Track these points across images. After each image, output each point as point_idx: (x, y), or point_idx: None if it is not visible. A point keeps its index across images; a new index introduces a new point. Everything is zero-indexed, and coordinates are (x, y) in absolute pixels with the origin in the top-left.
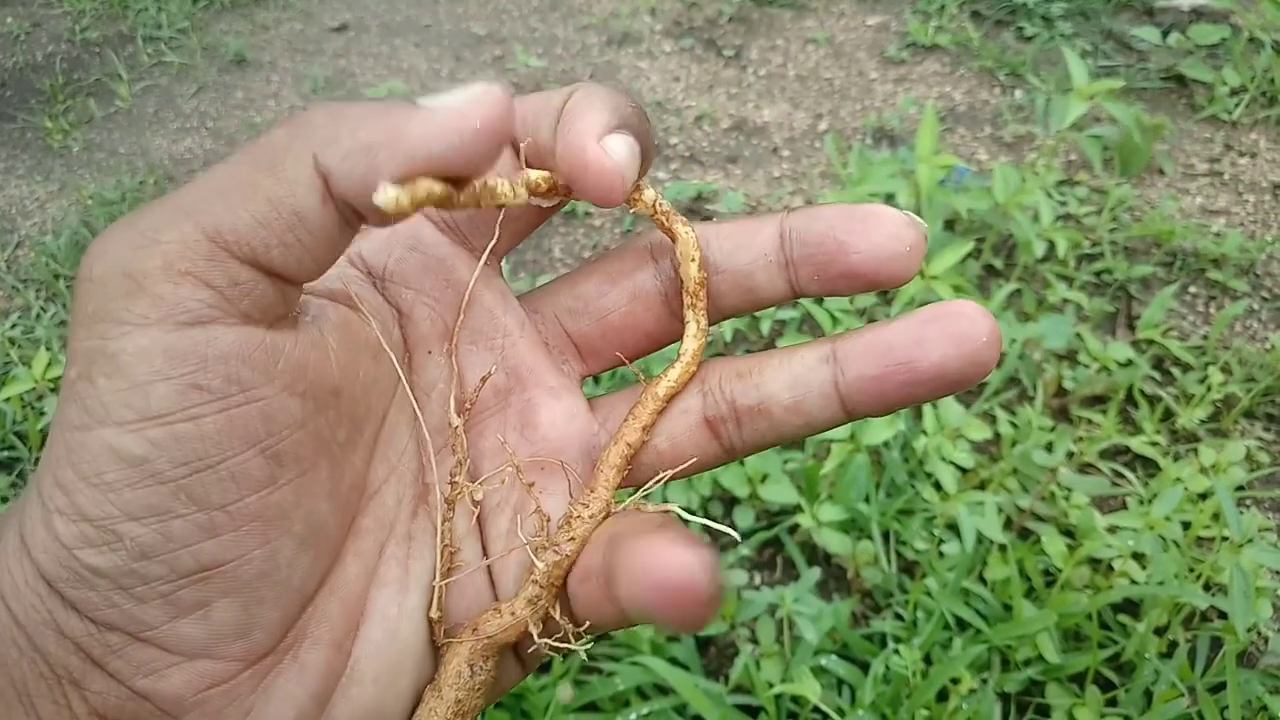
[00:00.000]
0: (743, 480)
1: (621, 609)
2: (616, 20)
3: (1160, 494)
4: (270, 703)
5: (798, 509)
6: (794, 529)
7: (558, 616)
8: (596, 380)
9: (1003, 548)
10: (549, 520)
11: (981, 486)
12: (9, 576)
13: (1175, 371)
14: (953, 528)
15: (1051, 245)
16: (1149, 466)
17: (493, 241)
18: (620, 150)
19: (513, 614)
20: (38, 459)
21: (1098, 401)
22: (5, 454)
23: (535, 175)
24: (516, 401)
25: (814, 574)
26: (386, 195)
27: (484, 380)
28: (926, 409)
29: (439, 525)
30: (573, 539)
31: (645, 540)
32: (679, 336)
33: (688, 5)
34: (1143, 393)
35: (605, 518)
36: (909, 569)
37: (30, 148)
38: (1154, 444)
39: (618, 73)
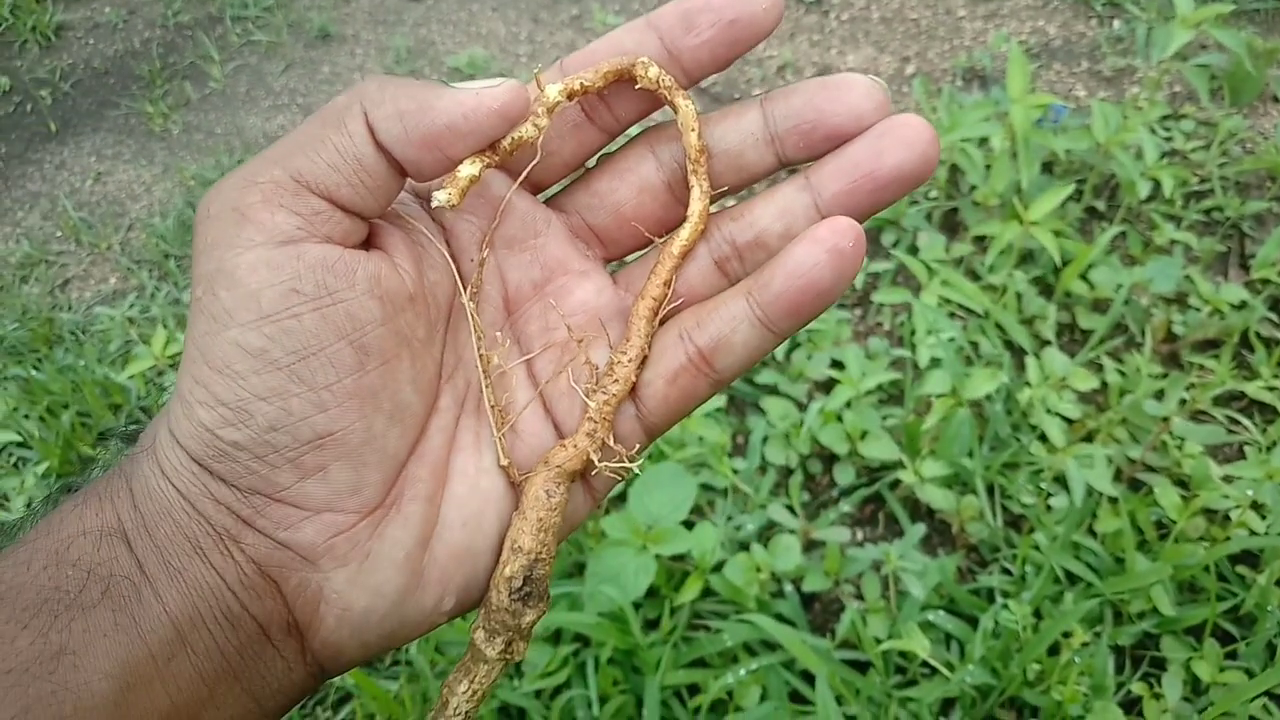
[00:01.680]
0: (842, 437)
1: (743, 349)
2: None
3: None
4: (384, 546)
5: (899, 465)
6: (895, 485)
7: (613, 444)
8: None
9: (1113, 500)
10: (597, 368)
11: (1089, 438)
12: (168, 462)
13: None
14: (1060, 480)
15: (1157, 184)
16: (1266, 412)
17: (529, 167)
18: None
19: (575, 446)
20: None
21: (1210, 346)
22: (133, 428)
23: (552, 94)
24: (552, 289)
25: (918, 530)
26: (438, 199)
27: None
28: (1030, 360)
29: (484, 391)
30: (617, 381)
31: (790, 245)
32: (684, 216)
33: None
34: (1259, 335)
35: (643, 361)
36: (1015, 523)
37: (134, 132)
38: (1272, 389)
39: None
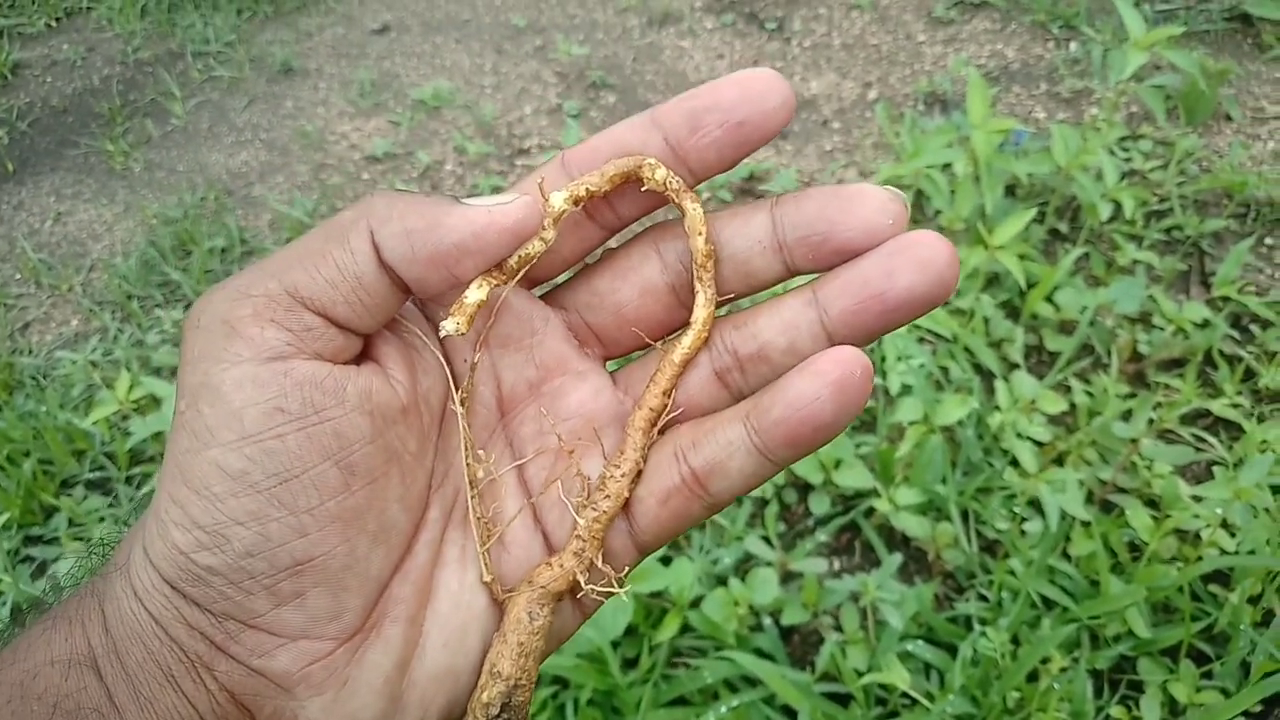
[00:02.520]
0: (816, 467)
1: (739, 475)
2: (656, 0)
3: (1247, 460)
4: (362, 672)
5: (874, 493)
6: (870, 513)
7: (601, 565)
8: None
9: (1086, 523)
10: (589, 480)
11: (1060, 460)
12: (140, 583)
13: (1255, 329)
14: (1034, 504)
15: (1118, 205)
16: (1232, 429)
17: (527, 267)
18: None
19: (561, 565)
20: (128, 477)
21: (1175, 365)
22: (97, 474)
23: (558, 203)
24: (548, 389)
25: (895, 559)
26: (446, 329)
27: (472, 372)
28: (999, 384)
29: (469, 503)
30: (608, 496)
31: (792, 374)
32: (688, 320)
33: None
34: (1221, 353)
35: (637, 475)
36: (990, 549)
37: (94, 171)
38: (1236, 406)
39: (660, 54)
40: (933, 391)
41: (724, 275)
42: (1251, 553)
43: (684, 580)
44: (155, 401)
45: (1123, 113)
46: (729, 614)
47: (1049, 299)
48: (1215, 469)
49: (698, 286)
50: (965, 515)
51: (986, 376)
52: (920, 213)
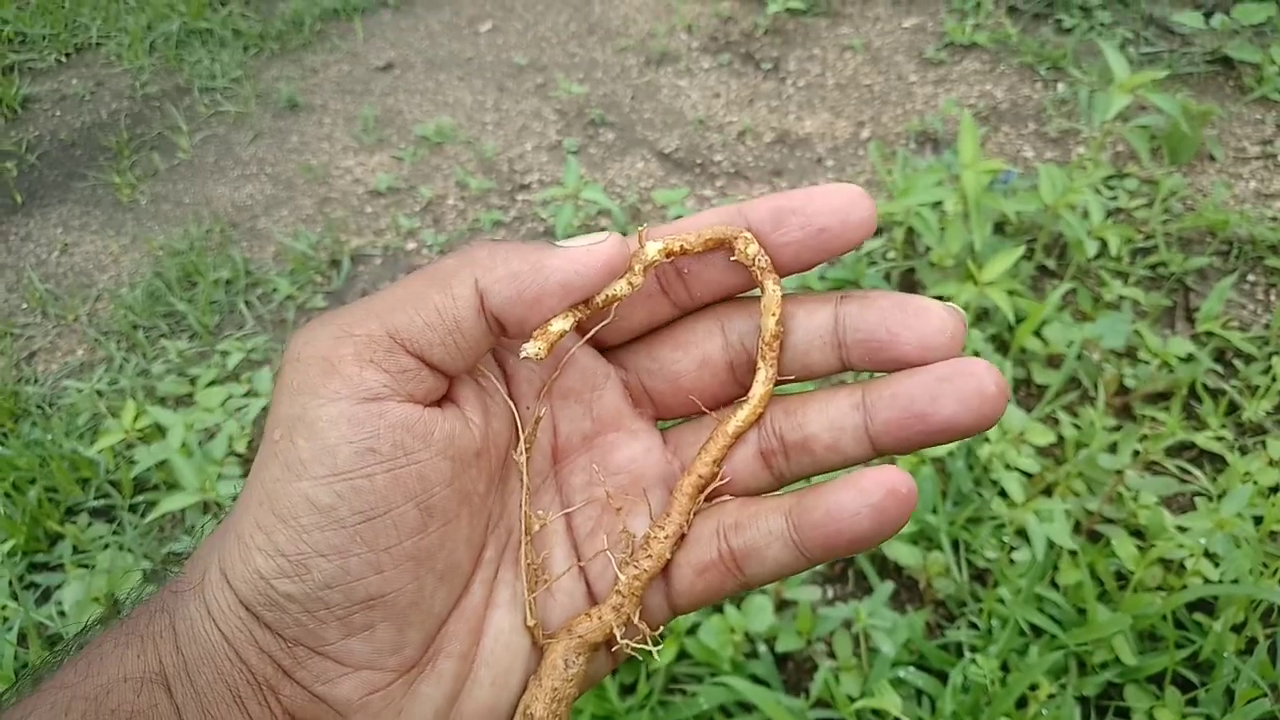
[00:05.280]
0: None
1: (774, 564)
2: (654, 40)
3: (1229, 491)
4: (415, 704)
5: None
6: None
7: (637, 622)
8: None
9: (1073, 553)
10: (634, 538)
11: (1048, 491)
12: (216, 604)
13: (1238, 364)
14: (1022, 534)
15: (1104, 243)
16: (1216, 462)
17: (600, 326)
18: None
19: (599, 618)
20: (132, 505)
21: (1160, 398)
22: (102, 502)
23: (651, 252)
24: (601, 443)
25: (887, 587)
26: (527, 350)
27: (537, 420)
28: None
29: (522, 549)
30: (650, 556)
31: (840, 483)
32: (739, 396)
33: (723, 20)
34: (1205, 387)
35: (680, 539)
36: (980, 577)
37: (102, 203)
38: (1220, 439)
39: (658, 93)
40: None
41: (782, 359)
42: (1235, 582)
43: None
44: (160, 430)
45: (1108, 152)
46: (725, 641)
47: (1037, 333)
48: (1199, 500)
49: (760, 364)
50: (956, 544)
51: None
52: (912, 248)
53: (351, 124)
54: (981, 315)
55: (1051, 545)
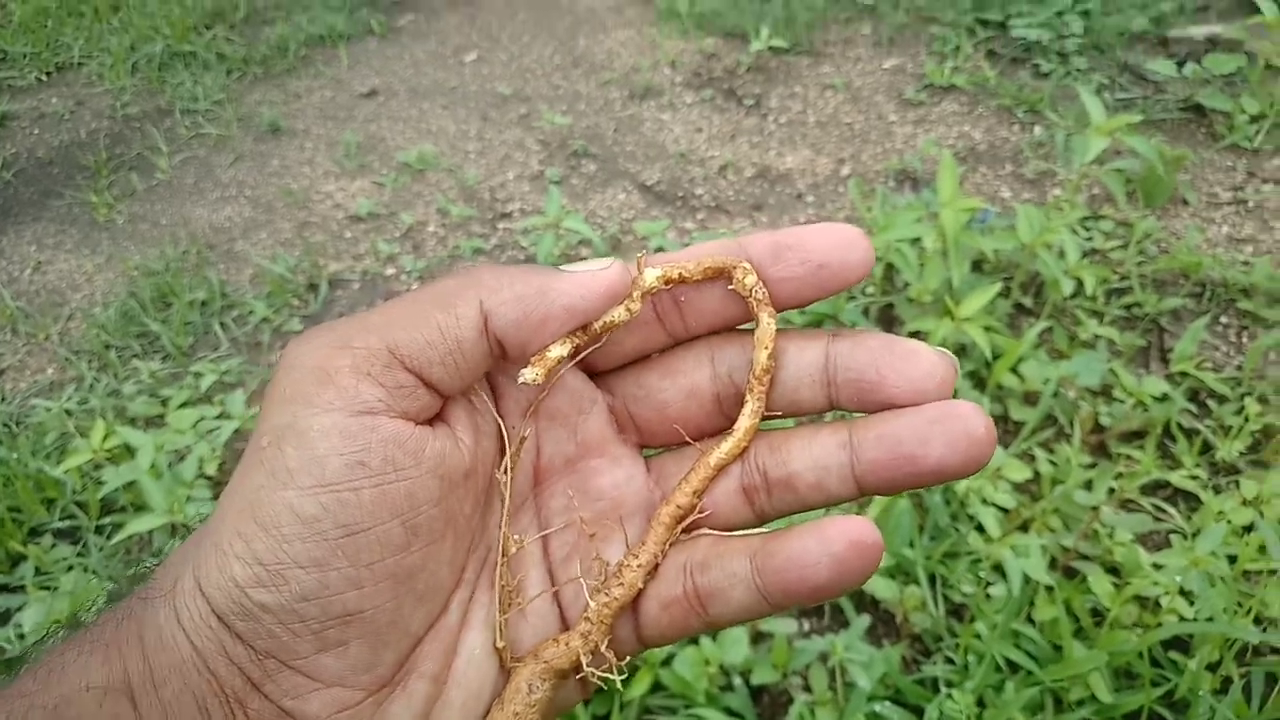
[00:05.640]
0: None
1: (738, 607)
2: (637, 74)
3: (1204, 530)
4: (386, 717)
5: None
6: None
7: (605, 650)
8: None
9: (1049, 588)
10: (607, 565)
11: (1024, 527)
12: (187, 612)
13: (1211, 404)
14: (999, 569)
15: (1080, 282)
16: (1191, 500)
17: (591, 349)
18: None
19: (567, 644)
20: (98, 527)
21: (1136, 437)
22: (67, 523)
23: (650, 279)
24: (584, 468)
25: (864, 621)
26: (525, 376)
27: (520, 444)
28: None
29: (497, 570)
30: (622, 585)
31: (805, 529)
32: (725, 429)
33: (707, 56)
34: (1180, 426)
35: (654, 569)
36: (957, 612)
37: (78, 222)
38: (1194, 478)
39: (641, 126)
40: None
41: (771, 395)
42: (1210, 620)
43: None
44: (129, 451)
45: (1084, 194)
46: (700, 673)
47: (1014, 370)
48: (1174, 538)
49: (748, 397)
50: (933, 579)
51: None
52: (890, 284)
53: (333, 149)
54: (959, 351)
55: (1028, 581)
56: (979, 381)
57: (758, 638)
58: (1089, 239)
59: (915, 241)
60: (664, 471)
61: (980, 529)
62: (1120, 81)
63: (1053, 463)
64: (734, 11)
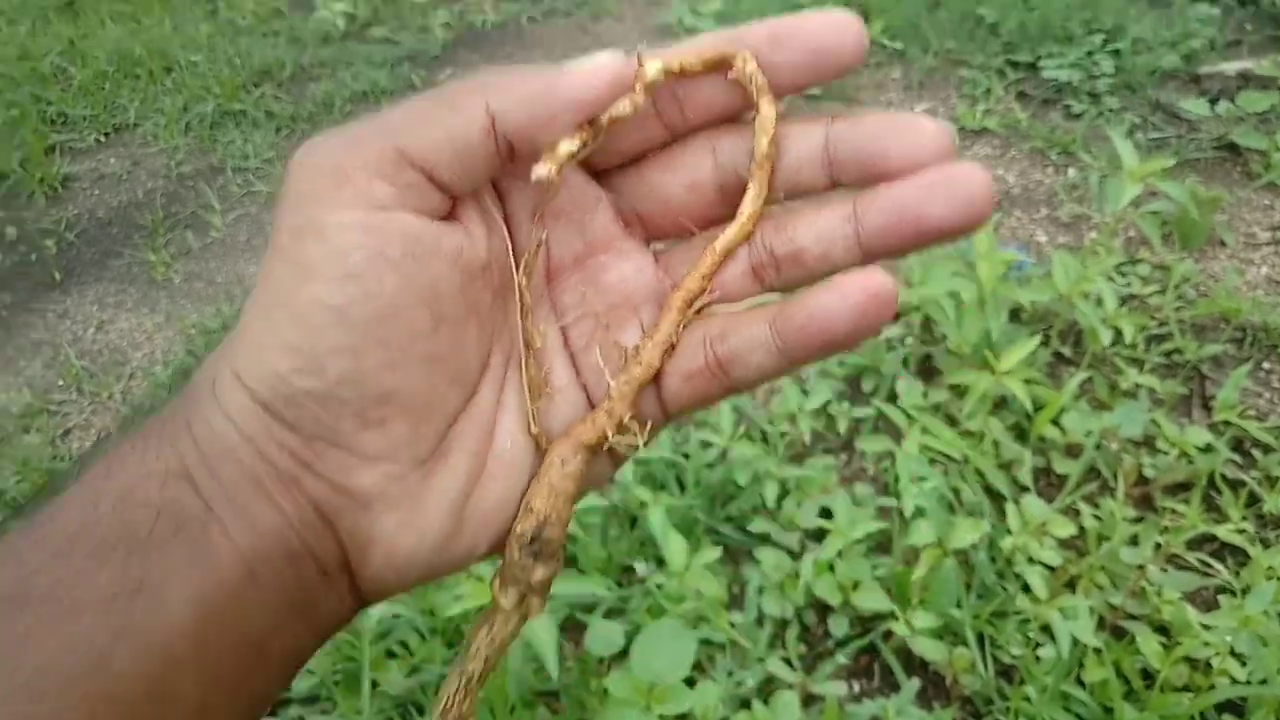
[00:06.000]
0: (835, 588)
1: (758, 368)
2: None
3: (1253, 587)
4: (431, 494)
5: (891, 615)
6: (888, 635)
7: (627, 423)
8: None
9: (1098, 650)
10: (626, 350)
11: (1071, 584)
12: (231, 405)
13: (1256, 453)
14: (1047, 629)
15: (1118, 331)
16: (1238, 555)
17: (592, 146)
18: None
19: (594, 421)
20: None
21: (1181, 489)
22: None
23: (651, 71)
24: (593, 264)
25: (914, 685)
26: (539, 173)
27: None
28: (1010, 508)
29: (524, 362)
30: (640, 364)
31: (820, 288)
32: (729, 218)
33: None
34: (1224, 478)
35: (671, 347)
36: (1007, 673)
37: (137, 281)
38: (1241, 531)
39: None
40: (946, 514)
41: (773, 180)
42: (1264, 682)
43: (709, 702)
44: None
45: (1120, 238)
46: None
47: (1055, 422)
48: (1222, 597)
49: (751, 183)
50: (981, 639)
51: (997, 499)
52: (929, 334)
53: None
54: (999, 403)
55: (1076, 642)
56: (1020, 434)
57: (809, 700)
58: (1126, 284)
59: (953, 294)
60: (672, 262)
61: (1027, 588)
62: (1153, 121)
63: (1098, 517)
64: None
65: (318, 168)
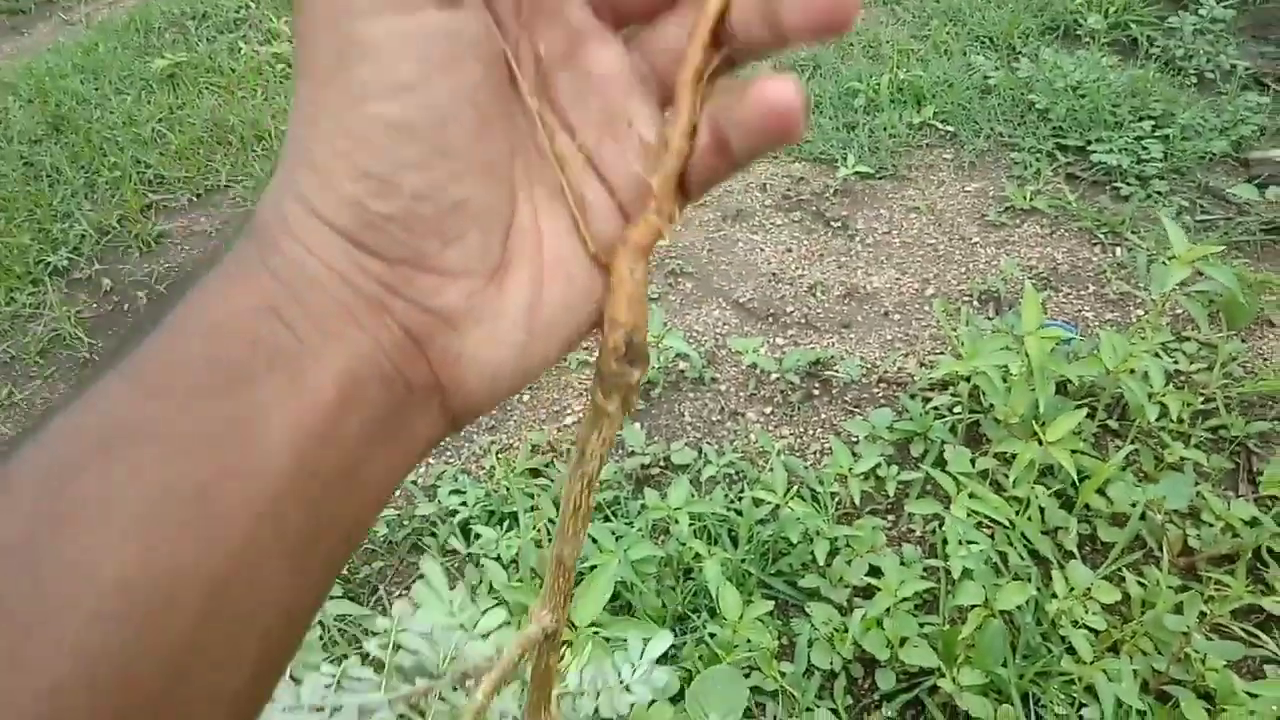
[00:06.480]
0: (883, 643)
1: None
2: (729, 197)
3: None
4: (507, 304)
5: (937, 671)
6: (934, 690)
7: (675, 215)
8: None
9: (1142, 713)
10: (649, 143)
11: (1115, 648)
12: (310, 238)
13: None
14: (1091, 690)
15: (1165, 406)
16: None
17: None
18: None
19: (647, 222)
20: None
21: (1226, 560)
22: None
23: None
24: (579, 55)
25: None
26: None
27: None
28: (1055, 573)
29: (564, 185)
30: (671, 154)
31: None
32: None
33: (795, 181)
34: (1270, 551)
35: (693, 130)
36: None
37: None
38: None
39: (734, 246)
40: (992, 576)
41: None
42: None
43: None
44: None
45: (1167, 317)
46: None
47: (1101, 491)
48: (1268, 667)
49: None
50: (1026, 698)
51: (1043, 563)
52: (977, 403)
53: None
54: (1046, 472)
55: (1120, 704)
56: (1066, 503)
57: None
58: (1173, 362)
59: (1002, 367)
60: (643, 44)
61: (1072, 650)
62: (1201, 204)
63: (1142, 584)
64: (821, 139)
65: None
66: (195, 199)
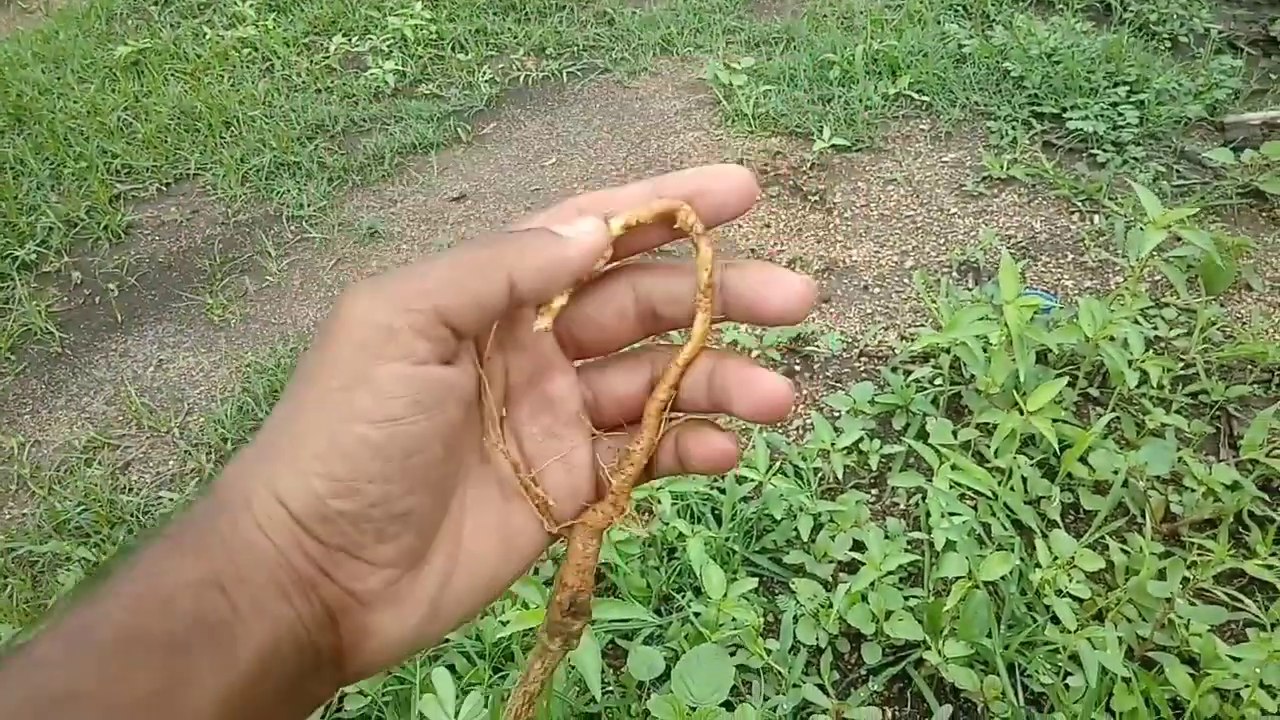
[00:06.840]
0: (868, 617)
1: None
2: None
3: None
4: (417, 591)
5: (923, 644)
6: (920, 663)
7: (627, 509)
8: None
9: (1127, 680)
10: (620, 453)
11: (1099, 616)
12: (268, 520)
13: None
14: (1076, 659)
15: (1145, 372)
16: (1267, 590)
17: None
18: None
19: (603, 511)
20: None
21: (1208, 525)
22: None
23: (616, 228)
24: (541, 381)
25: (945, 711)
26: (540, 325)
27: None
28: (1039, 542)
29: (522, 482)
30: (633, 464)
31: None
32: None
33: (772, 155)
34: (1252, 515)
35: (653, 449)
36: (1037, 701)
37: (195, 323)
38: (1269, 567)
39: None
40: (976, 547)
41: (677, 316)
42: None
43: None
44: None
45: (1146, 283)
46: None
47: (1083, 459)
48: (1250, 630)
49: (699, 311)
50: (1011, 668)
51: (1026, 533)
52: (959, 374)
53: (426, 250)
54: (1028, 441)
55: (1105, 671)
56: (1048, 471)
57: None
58: (1152, 328)
59: (981, 337)
60: (589, 378)
61: (1056, 619)
62: (1177, 169)
63: (1125, 552)
64: (797, 112)
65: (373, 324)
66: (164, 188)
